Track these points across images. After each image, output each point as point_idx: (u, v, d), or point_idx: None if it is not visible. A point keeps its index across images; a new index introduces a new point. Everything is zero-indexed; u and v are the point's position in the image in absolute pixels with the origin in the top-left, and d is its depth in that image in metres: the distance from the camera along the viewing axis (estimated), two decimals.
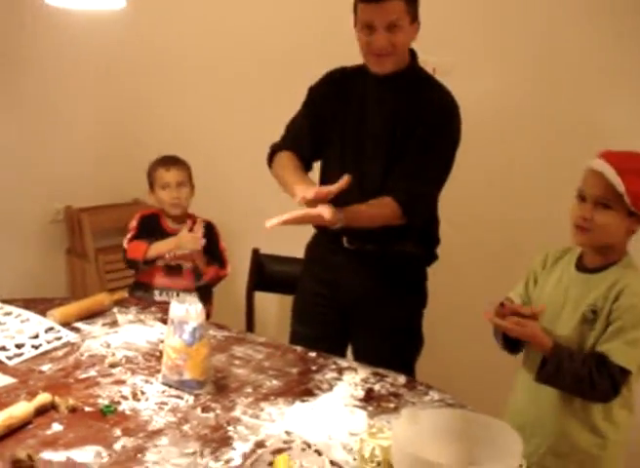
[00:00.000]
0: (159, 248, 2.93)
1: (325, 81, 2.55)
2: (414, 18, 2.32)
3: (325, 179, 2.51)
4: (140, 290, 2.97)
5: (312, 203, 2.16)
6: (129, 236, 3.00)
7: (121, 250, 3.03)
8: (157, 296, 2.94)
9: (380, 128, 2.41)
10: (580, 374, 1.88)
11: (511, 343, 2.08)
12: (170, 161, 3.01)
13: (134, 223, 3.03)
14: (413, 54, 2.44)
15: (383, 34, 2.28)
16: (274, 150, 2.55)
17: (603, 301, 1.93)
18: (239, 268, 3.23)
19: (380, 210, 2.34)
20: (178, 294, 2.85)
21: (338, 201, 2.34)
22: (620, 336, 1.88)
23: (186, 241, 2.90)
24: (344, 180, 2.15)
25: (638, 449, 2.33)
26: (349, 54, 2.42)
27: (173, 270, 2.95)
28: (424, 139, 2.36)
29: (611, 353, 1.88)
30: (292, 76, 2.62)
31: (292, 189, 2.29)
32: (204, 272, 2.96)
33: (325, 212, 2.14)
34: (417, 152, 2.36)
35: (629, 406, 2.00)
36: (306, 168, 2.53)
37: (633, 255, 2.00)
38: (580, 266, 2.04)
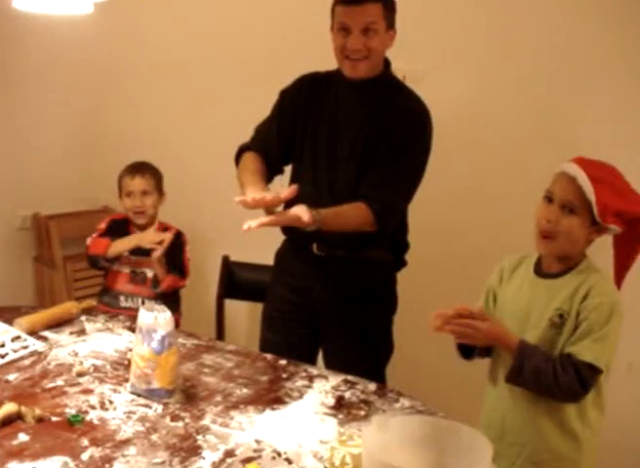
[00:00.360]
0: (121, 244, 2.93)
1: (297, 85, 2.56)
2: (390, 25, 2.34)
3: (296, 181, 2.49)
4: (107, 295, 2.96)
5: (251, 206, 2.12)
6: (94, 234, 2.99)
7: (84, 247, 3.00)
8: (123, 302, 2.93)
9: (352, 134, 2.42)
10: (543, 370, 1.88)
11: (464, 347, 2.08)
12: (136, 169, 3.01)
13: (102, 224, 3.04)
14: (387, 62, 2.46)
15: (359, 37, 2.30)
16: (241, 150, 2.56)
17: (570, 304, 1.94)
18: (209, 276, 3.22)
19: (354, 214, 2.34)
20: (143, 301, 2.84)
21: (308, 205, 2.36)
22: (588, 336, 1.89)
23: (148, 239, 2.88)
24: (291, 190, 2.14)
25: (608, 453, 2.36)
26: (322, 58, 2.42)
27: (137, 277, 2.93)
28: (397, 147, 2.37)
29: (579, 351, 1.89)
30: (265, 81, 2.61)
31: (244, 191, 2.28)
32: (161, 280, 2.93)
33: (302, 213, 2.14)
34: (389, 159, 2.37)
35: (600, 406, 2.01)
36: (273, 171, 2.53)
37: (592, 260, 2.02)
38: (540, 272, 2.04)
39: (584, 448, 2.00)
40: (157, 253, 2.84)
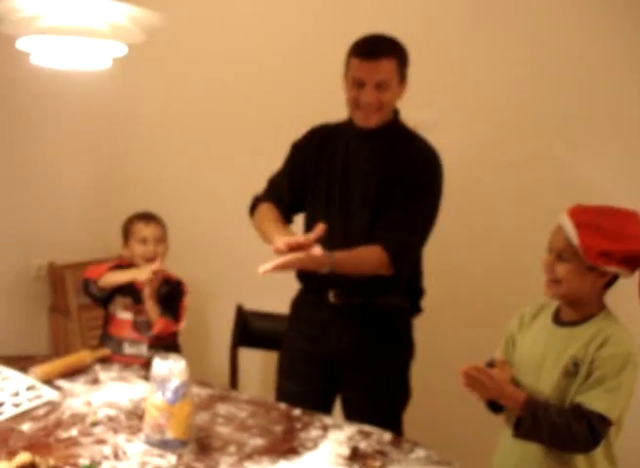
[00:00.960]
0: (115, 275, 2.87)
1: (308, 137, 2.59)
2: (403, 78, 2.38)
3: (310, 230, 2.53)
4: (111, 343, 2.91)
5: (285, 252, 2.16)
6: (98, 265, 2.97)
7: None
8: (127, 349, 2.87)
9: (363, 183, 2.44)
10: (557, 424, 1.87)
11: (492, 403, 2.07)
12: (149, 216, 2.99)
13: (110, 263, 2.98)
14: (395, 110, 2.48)
15: (372, 91, 2.33)
16: (256, 202, 2.59)
17: (584, 353, 1.93)
18: (222, 325, 3.21)
19: (369, 256, 2.36)
20: (147, 349, 2.81)
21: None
22: (600, 385, 1.88)
23: (143, 271, 2.81)
24: (320, 228, 2.17)
25: None
26: (333, 108, 2.46)
27: (140, 325, 2.89)
28: (410, 190, 2.39)
29: (589, 401, 1.87)
30: (274, 132, 2.66)
31: (271, 239, 2.31)
32: (154, 322, 2.83)
33: (316, 250, 2.16)
34: (402, 203, 2.39)
35: (611, 458, 1.98)
36: (287, 221, 2.55)
37: (612, 308, 2.02)
38: (558, 321, 2.05)
39: None
40: (148, 290, 2.79)
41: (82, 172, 3.94)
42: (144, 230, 2.93)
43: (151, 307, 2.82)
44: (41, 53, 1.92)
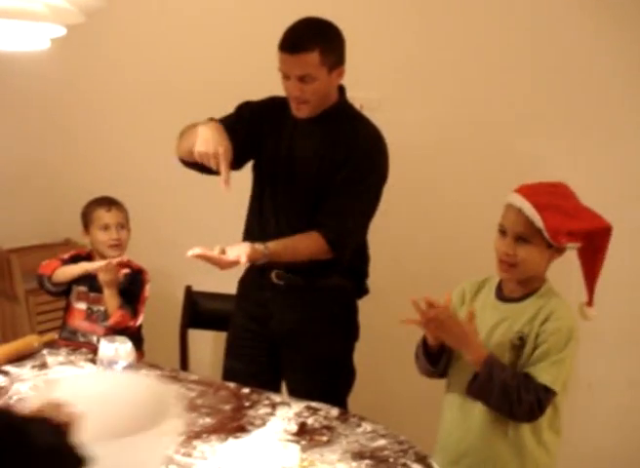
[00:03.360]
0: (69, 269, 2.80)
1: (266, 101, 2.56)
2: (333, 66, 2.34)
3: (256, 201, 2.57)
4: (66, 331, 2.88)
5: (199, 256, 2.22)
6: (53, 259, 2.88)
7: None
8: (80, 338, 2.84)
9: (307, 163, 2.45)
10: (509, 386, 1.92)
11: (432, 357, 2.11)
12: (110, 202, 2.90)
13: (65, 255, 2.90)
14: (341, 90, 2.48)
15: (296, 84, 2.32)
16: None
17: (529, 327, 1.98)
18: (172, 306, 3.22)
19: (308, 244, 2.38)
20: (98, 340, 2.71)
21: (266, 230, 2.45)
22: (546, 358, 1.94)
23: (97, 264, 2.74)
24: (236, 260, 2.21)
25: None
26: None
27: (93, 314, 2.83)
28: (352, 175, 2.40)
29: (536, 373, 1.93)
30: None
31: (191, 133, 2.35)
32: (110, 313, 2.73)
33: (242, 255, 2.19)
34: (344, 188, 2.40)
35: (556, 428, 2.04)
36: None
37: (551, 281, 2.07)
38: (501, 296, 2.09)
39: None
40: (103, 277, 2.69)
41: (24, 156, 3.89)
42: (106, 216, 2.85)
43: (109, 296, 2.72)
44: None
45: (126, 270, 2.82)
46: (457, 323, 1.99)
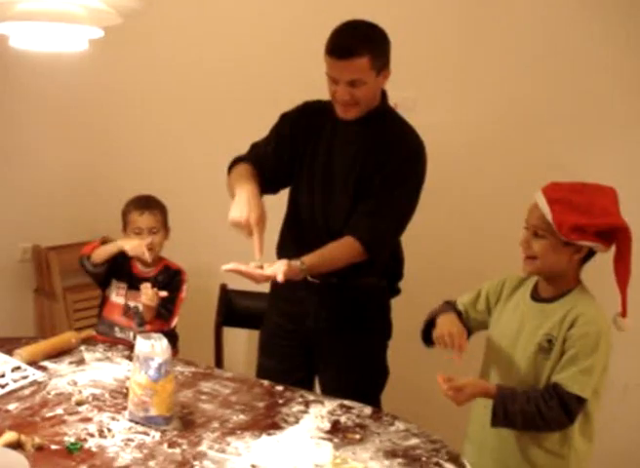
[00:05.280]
0: (105, 248, 2.86)
1: (299, 111, 2.57)
2: (380, 69, 2.33)
3: (294, 208, 2.58)
4: (103, 324, 2.93)
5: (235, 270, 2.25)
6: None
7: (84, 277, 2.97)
8: (118, 333, 2.89)
9: (346, 165, 2.45)
10: (528, 412, 1.92)
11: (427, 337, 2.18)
12: (144, 204, 2.92)
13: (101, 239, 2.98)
14: (383, 94, 2.48)
15: (346, 89, 2.32)
16: (236, 161, 2.57)
17: (558, 330, 1.97)
18: (207, 304, 3.24)
19: (343, 251, 2.38)
20: (134, 336, 2.73)
21: (304, 236, 2.45)
22: (574, 365, 1.93)
23: (132, 245, 2.81)
24: (273, 275, 2.22)
25: None
26: (320, 85, 2.44)
27: (130, 310, 2.88)
28: (390, 178, 2.40)
29: (565, 382, 1.93)
30: (257, 115, 2.65)
31: (232, 191, 2.38)
32: (147, 321, 2.84)
33: (279, 273, 2.19)
34: (382, 191, 2.41)
35: (589, 434, 2.04)
36: (264, 190, 2.51)
37: (587, 284, 2.05)
38: (536, 296, 2.09)
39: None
40: (145, 300, 2.75)
41: (65, 155, 3.95)
42: (138, 221, 2.89)
43: (146, 310, 2.80)
44: (19, 36, 1.93)
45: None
46: (464, 391, 1.97)
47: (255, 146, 2.61)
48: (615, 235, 1.95)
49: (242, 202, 2.31)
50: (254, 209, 2.29)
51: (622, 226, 1.94)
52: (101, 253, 2.86)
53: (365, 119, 2.42)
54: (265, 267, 2.25)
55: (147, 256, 2.82)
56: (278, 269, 2.21)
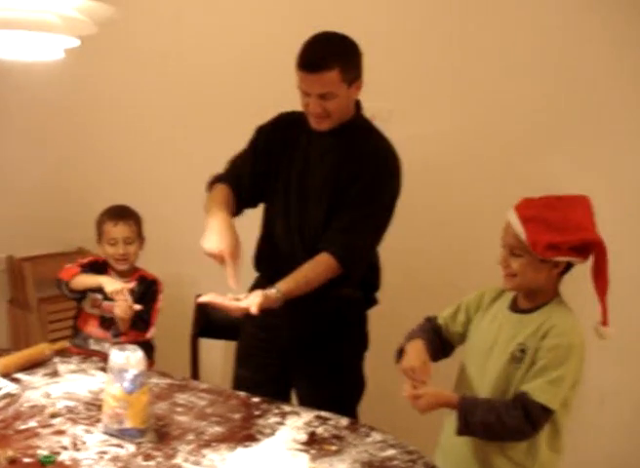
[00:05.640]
0: (86, 279, 2.85)
1: (274, 123, 2.57)
2: (352, 81, 2.33)
3: (269, 220, 2.58)
4: (78, 337, 2.91)
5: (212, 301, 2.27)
6: (72, 264, 2.93)
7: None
8: (92, 345, 2.87)
9: (321, 177, 2.45)
10: (489, 423, 1.92)
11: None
12: (118, 214, 2.91)
13: (84, 260, 2.96)
14: (357, 104, 2.47)
15: (317, 102, 2.32)
16: (214, 181, 2.57)
17: (531, 340, 1.98)
18: (183, 314, 3.22)
19: (318, 270, 2.38)
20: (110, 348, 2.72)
21: (280, 249, 2.46)
22: (543, 375, 1.92)
23: (112, 286, 2.75)
24: (244, 309, 2.23)
25: None
26: (295, 95, 2.45)
27: (106, 322, 2.87)
28: (364, 192, 2.40)
29: (532, 391, 1.92)
30: (241, 123, 2.64)
31: (206, 218, 2.38)
32: (123, 331, 2.82)
33: (252, 305, 2.20)
34: (355, 205, 2.40)
35: (557, 447, 2.03)
36: (245, 204, 2.55)
37: (565, 293, 2.06)
38: (514, 307, 2.09)
39: None
40: (119, 312, 2.72)
41: (39, 165, 3.92)
42: (113, 231, 2.89)
43: (122, 321, 2.77)
44: None
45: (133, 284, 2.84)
46: (422, 399, 1.98)
47: (232, 163, 2.61)
48: (590, 247, 1.96)
49: (214, 232, 2.31)
50: (225, 240, 2.28)
51: (596, 240, 1.95)
52: (80, 284, 2.86)
53: (339, 130, 2.42)
54: (242, 298, 2.25)
55: (128, 304, 2.75)
56: (252, 301, 2.21)
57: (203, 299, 2.26)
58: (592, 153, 2.91)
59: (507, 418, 1.90)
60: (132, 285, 2.80)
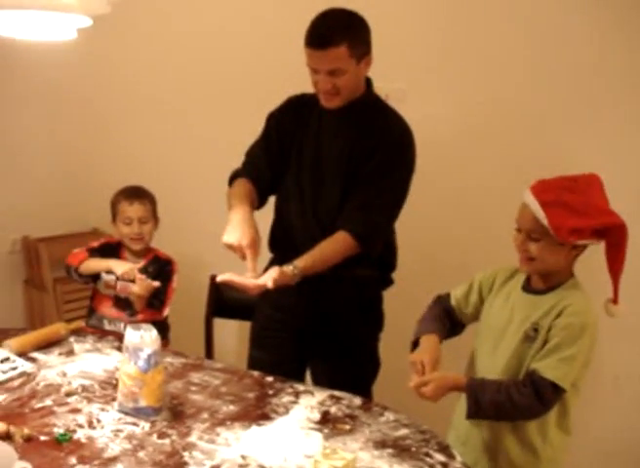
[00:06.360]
0: (94, 263, 2.86)
1: (284, 107, 2.58)
2: (361, 57, 2.32)
3: (282, 202, 2.58)
4: (93, 317, 2.93)
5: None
6: (82, 248, 2.93)
7: None
8: (107, 326, 2.88)
9: (335, 156, 2.44)
10: (499, 402, 1.93)
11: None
12: (133, 194, 2.92)
13: (95, 243, 2.95)
14: (368, 82, 2.47)
15: (326, 78, 2.31)
16: (234, 176, 2.58)
17: (544, 320, 1.97)
18: (198, 295, 3.23)
19: (336, 248, 2.38)
20: (125, 327, 2.75)
21: (295, 230, 2.46)
22: (554, 353, 1.93)
23: (122, 268, 2.78)
24: (260, 287, 2.23)
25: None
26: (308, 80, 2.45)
27: (120, 302, 2.88)
28: (379, 168, 2.39)
29: (543, 369, 1.92)
30: (253, 103, 2.63)
31: (229, 214, 2.38)
32: (139, 311, 2.84)
33: (268, 280, 2.20)
34: (372, 181, 2.39)
35: (565, 427, 2.04)
36: (267, 193, 2.56)
37: (580, 277, 2.05)
38: (527, 288, 2.09)
39: (543, 465, 2.03)
40: (138, 290, 2.73)
41: (54, 145, 3.93)
42: (128, 210, 2.89)
43: (137, 300, 2.79)
44: (5, 25, 1.92)
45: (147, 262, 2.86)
46: (436, 384, 1.99)
47: (248, 155, 2.61)
48: (611, 230, 1.96)
49: (234, 226, 2.31)
50: (246, 233, 2.28)
51: (618, 223, 1.95)
52: (90, 268, 2.87)
53: (350, 108, 2.41)
54: (259, 276, 2.26)
55: (148, 282, 2.76)
56: (268, 276, 2.21)
57: (221, 278, 2.25)
58: (602, 131, 2.90)
59: (517, 396, 1.90)
60: (140, 265, 2.83)
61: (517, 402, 1.90)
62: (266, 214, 2.62)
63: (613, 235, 1.96)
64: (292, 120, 2.52)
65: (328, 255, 2.37)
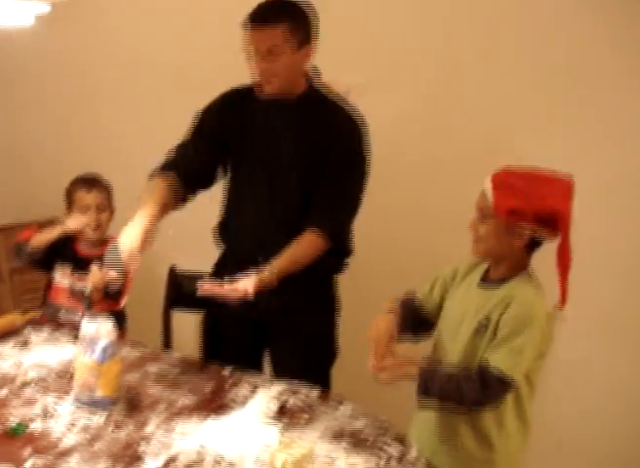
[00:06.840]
0: (45, 232, 2.81)
1: (221, 102, 2.55)
2: (300, 44, 2.33)
3: (233, 194, 2.57)
4: (49, 308, 2.89)
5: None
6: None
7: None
8: (63, 316, 2.85)
9: (289, 151, 2.43)
10: (447, 389, 1.94)
11: None
12: (91, 182, 2.89)
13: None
14: (307, 78, 2.46)
15: (261, 60, 2.32)
16: (159, 170, 2.54)
17: (495, 312, 1.98)
18: (156, 285, 3.21)
19: (306, 251, 2.40)
20: (81, 316, 2.65)
21: (249, 225, 2.48)
22: (503, 344, 1.93)
23: (70, 223, 2.79)
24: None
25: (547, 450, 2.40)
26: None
27: (77, 293, 2.85)
28: (337, 169, 2.41)
29: (491, 360, 1.92)
30: (206, 92, 2.62)
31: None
32: (95, 301, 2.75)
33: (249, 287, 2.22)
34: (331, 182, 2.42)
35: (523, 418, 2.04)
36: (193, 189, 2.53)
37: (537, 270, 2.07)
38: (484, 281, 2.10)
39: (498, 455, 2.04)
40: (94, 282, 2.69)
41: (9, 133, 3.87)
42: (86, 198, 2.86)
43: (95, 291, 2.72)
44: None
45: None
46: (391, 372, 2.00)
47: (178, 150, 2.57)
48: (556, 221, 1.93)
49: (125, 240, 2.32)
50: (131, 259, 2.32)
51: (559, 211, 1.92)
52: (42, 238, 2.81)
53: (297, 105, 2.41)
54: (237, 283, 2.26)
55: (91, 229, 2.80)
56: (248, 284, 2.23)
57: (202, 292, 2.25)
58: (570, 128, 2.92)
59: (465, 387, 1.91)
60: (92, 216, 2.84)
61: (464, 391, 1.91)
62: (208, 207, 2.61)
63: (553, 226, 1.94)
64: (233, 113, 2.50)
65: (303, 256, 2.40)
